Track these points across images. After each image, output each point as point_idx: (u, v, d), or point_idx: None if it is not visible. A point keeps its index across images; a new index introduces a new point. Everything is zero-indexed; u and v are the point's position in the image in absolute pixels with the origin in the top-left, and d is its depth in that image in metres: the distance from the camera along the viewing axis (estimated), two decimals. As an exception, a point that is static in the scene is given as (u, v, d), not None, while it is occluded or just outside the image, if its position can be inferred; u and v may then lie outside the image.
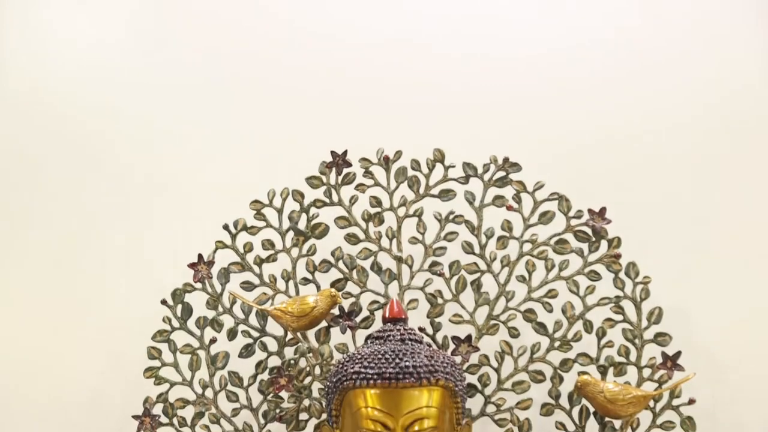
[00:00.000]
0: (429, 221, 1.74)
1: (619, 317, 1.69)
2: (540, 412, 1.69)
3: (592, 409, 1.67)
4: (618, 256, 1.70)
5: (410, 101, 1.93)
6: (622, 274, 1.70)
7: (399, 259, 1.74)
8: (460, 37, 1.95)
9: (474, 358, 1.71)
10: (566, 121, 1.92)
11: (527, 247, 1.72)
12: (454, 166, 1.74)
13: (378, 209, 1.75)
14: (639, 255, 1.70)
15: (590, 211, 1.71)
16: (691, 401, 1.65)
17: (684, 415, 1.66)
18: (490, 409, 1.71)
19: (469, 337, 1.71)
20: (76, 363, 1.91)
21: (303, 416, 1.72)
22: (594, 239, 1.71)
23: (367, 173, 1.76)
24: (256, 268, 1.74)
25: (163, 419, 1.71)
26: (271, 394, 1.71)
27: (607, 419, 1.66)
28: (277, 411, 1.71)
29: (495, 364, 1.71)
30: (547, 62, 1.94)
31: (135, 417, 1.70)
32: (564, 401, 1.69)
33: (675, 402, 1.66)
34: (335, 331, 1.74)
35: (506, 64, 1.94)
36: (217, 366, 1.72)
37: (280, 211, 1.75)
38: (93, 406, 1.89)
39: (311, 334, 1.73)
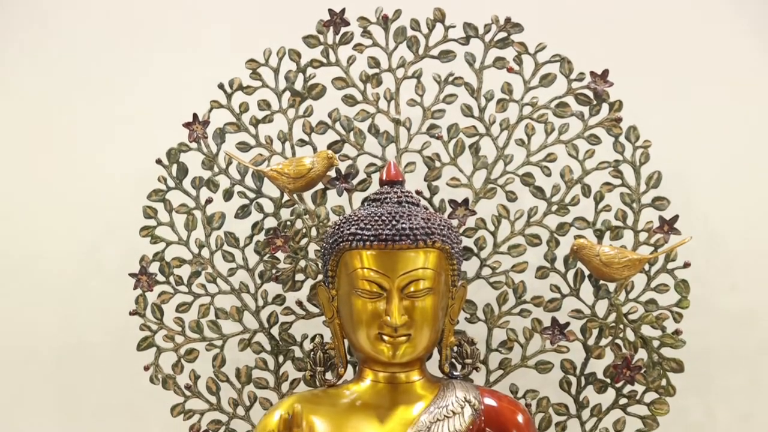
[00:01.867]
0: (428, 83, 1.71)
1: (618, 181, 1.68)
2: (535, 275, 1.70)
3: (587, 273, 1.68)
4: (619, 120, 1.68)
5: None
6: (622, 138, 1.68)
7: (397, 122, 1.72)
8: None
9: (470, 222, 1.71)
10: (570, -19, 1.87)
11: (527, 110, 1.70)
12: (454, 27, 1.71)
13: (376, 70, 1.72)
14: (640, 119, 1.68)
15: (592, 73, 1.68)
16: (687, 265, 1.66)
17: (678, 279, 1.66)
18: (486, 272, 1.71)
19: (466, 201, 1.70)
20: (72, 221, 1.91)
21: (299, 277, 1.72)
22: (595, 102, 1.68)
23: (365, 33, 1.72)
24: (251, 129, 1.72)
25: (160, 278, 1.72)
26: (267, 255, 1.71)
27: (601, 282, 1.67)
28: (274, 271, 1.72)
29: (491, 227, 1.71)
30: None
31: (131, 275, 1.71)
32: (559, 264, 1.70)
33: (670, 265, 1.67)
34: (332, 194, 1.73)
35: None
36: (213, 226, 1.72)
37: (276, 71, 1.72)
38: (89, 264, 1.90)
39: (307, 196, 1.72)
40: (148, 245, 1.72)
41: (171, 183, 1.72)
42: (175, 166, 1.72)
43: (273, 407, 1.54)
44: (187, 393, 1.72)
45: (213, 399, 1.73)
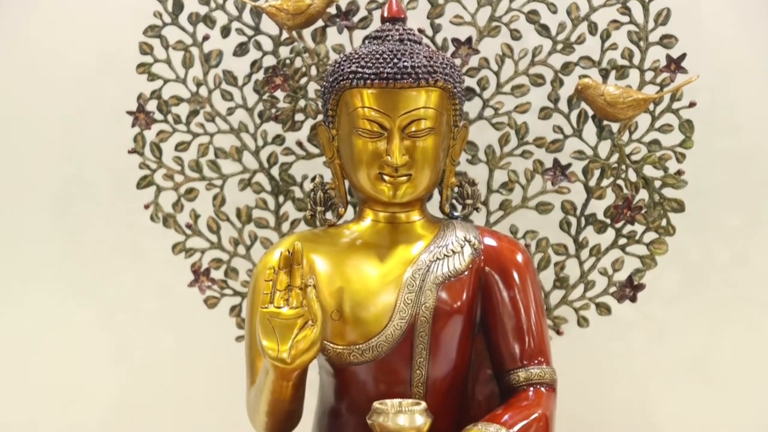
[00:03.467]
0: None
1: (626, 19, 1.64)
2: (538, 115, 1.68)
3: (590, 113, 1.66)
4: (627, -46, 1.63)
5: None
6: (631, -27, 1.63)
7: (398, -44, 1.66)
8: None
9: (473, 61, 1.68)
10: None
11: (533, -57, 1.65)
12: None
13: None
14: (649, -48, 1.63)
15: None
16: (692, 104, 1.64)
17: (683, 119, 1.65)
18: (488, 112, 1.69)
19: (469, 39, 1.66)
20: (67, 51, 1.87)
21: (299, 117, 1.70)
22: (604, -64, 1.63)
23: None
24: (249, -37, 1.67)
25: (158, 116, 1.70)
26: (267, 94, 1.69)
27: (605, 122, 1.65)
28: (273, 111, 1.70)
29: (495, 67, 1.68)
30: None
31: (129, 113, 1.69)
32: (563, 105, 1.68)
33: (675, 105, 1.64)
34: (332, 31, 1.69)
35: None
36: (211, 64, 1.69)
37: None
38: (89, 102, 1.87)
39: (307, 33, 1.68)
40: (146, 83, 1.69)
41: (167, 18, 1.67)
42: (170, 1, 1.67)
43: (273, 245, 1.54)
44: (188, 232, 1.73)
45: (213, 238, 1.73)
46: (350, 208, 1.59)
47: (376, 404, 1.36)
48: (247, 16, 1.68)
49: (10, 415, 1.89)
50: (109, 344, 1.90)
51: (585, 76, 1.63)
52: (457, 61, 1.65)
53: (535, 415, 1.43)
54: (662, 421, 1.85)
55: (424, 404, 1.36)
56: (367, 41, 1.55)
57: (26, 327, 1.90)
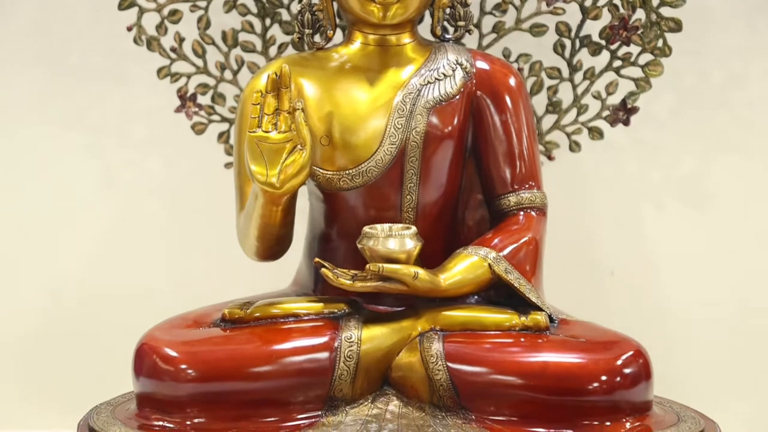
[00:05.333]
0: None
1: None
2: (533, -68, 1.62)
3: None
4: None
5: None
6: None
7: None
8: None
9: None
10: None
11: None
12: None
13: None
14: None
15: None
16: None
17: (683, -65, 1.59)
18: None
19: None
20: None
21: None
22: None
23: None
24: None
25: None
26: None
27: (603, -61, 1.60)
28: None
29: None
30: None
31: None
32: None
33: None
34: None
35: None
36: None
37: None
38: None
39: None
40: None
41: None
42: None
43: (261, 69, 1.51)
44: (173, 55, 1.69)
45: (199, 62, 1.70)
46: (339, 31, 1.55)
47: (366, 229, 1.36)
48: None
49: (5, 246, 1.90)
50: (98, 171, 1.88)
51: None
52: None
53: (525, 238, 1.43)
54: (654, 244, 1.86)
55: (414, 228, 1.36)
56: None
57: (15, 158, 1.89)
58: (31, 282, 1.88)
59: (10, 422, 1.86)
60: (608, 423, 1.29)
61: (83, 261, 1.89)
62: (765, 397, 1.84)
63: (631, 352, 1.32)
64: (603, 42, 1.64)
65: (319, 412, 1.33)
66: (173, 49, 1.68)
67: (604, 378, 1.29)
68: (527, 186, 1.47)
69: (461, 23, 1.52)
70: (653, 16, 1.60)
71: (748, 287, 1.84)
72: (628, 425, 1.30)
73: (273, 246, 1.46)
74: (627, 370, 1.30)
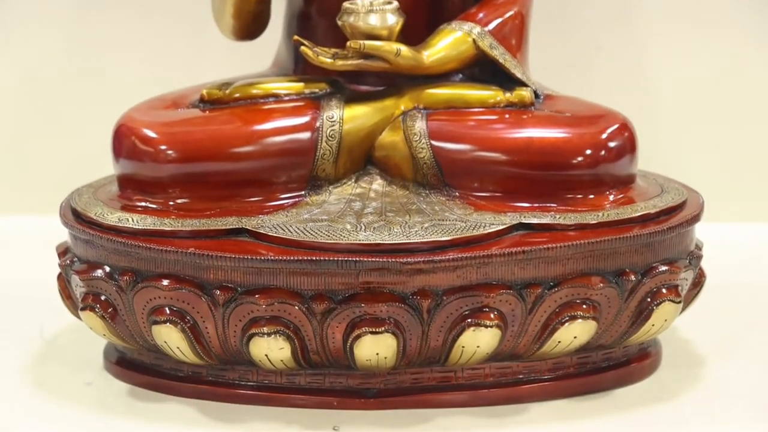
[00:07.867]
0: None
1: None
2: None
3: None
4: None
5: None
6: None
7: None
8: None
9: None
10: None
11: None
12: None
13: None
14: None
15: None
16: None
17: None
18: None
19: None
20: None
21: None
22: None
23: None
24: None
25: None
26: None
27: None
28: None
29: None
30: None
31: None
32: None
33: None
34: None
35: None
36: None
37: None
38: None
39: None
40: None
41: None
42: None
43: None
44: None
45: None
46: None
47: (346, 4, 1.31)
48: None
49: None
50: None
51: None
52: None
53: (511, 12, 1.39)
54: (644, 21, 1.82)
55: (395, 3, 1.31)
56: None
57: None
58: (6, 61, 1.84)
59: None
60: (591, 196, 1.29)
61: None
62: (748, 168, 1.85)
63: (616, 126, 1.31)
64: None
65: (303, 192, 1.32)
66: None
67: (588, 152, 1.28)
68: (514, -44, 1.41)
69: None
70: None
71: (734, 65, 1.81)
72: (611, 197, 1.30)
73: (250, 24, 1.41)
74: (612, 144, 1.29)
